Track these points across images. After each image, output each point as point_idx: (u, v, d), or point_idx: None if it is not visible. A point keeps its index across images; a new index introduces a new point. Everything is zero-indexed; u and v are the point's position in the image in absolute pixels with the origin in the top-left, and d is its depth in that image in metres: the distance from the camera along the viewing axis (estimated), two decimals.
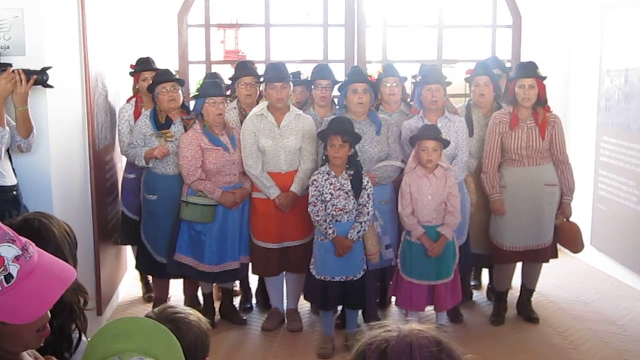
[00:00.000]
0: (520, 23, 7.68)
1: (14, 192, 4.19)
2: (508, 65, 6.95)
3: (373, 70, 6.24)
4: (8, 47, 4.38)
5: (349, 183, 5.11)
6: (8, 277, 1.69)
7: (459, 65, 8.42)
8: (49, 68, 4.24)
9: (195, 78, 8.99)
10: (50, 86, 4.27)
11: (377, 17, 7.81)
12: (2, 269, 1.69)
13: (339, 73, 7.08)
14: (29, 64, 4.39)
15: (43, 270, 1.78)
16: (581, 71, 7.56)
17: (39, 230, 2.41)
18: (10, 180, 4.20)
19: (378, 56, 7.78)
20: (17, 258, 1.73)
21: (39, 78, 4.19)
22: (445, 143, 5.28)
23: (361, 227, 5.14)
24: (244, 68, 5.98)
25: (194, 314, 2.32)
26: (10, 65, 4.19)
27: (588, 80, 7.35)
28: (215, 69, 7.60)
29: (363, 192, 5.13)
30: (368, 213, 5.16)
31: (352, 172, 5.13)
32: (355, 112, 5.49)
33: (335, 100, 6.07)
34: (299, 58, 8.55)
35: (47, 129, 4.49)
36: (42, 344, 1.89)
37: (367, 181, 5.18)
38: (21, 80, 4.10)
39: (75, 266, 2.31)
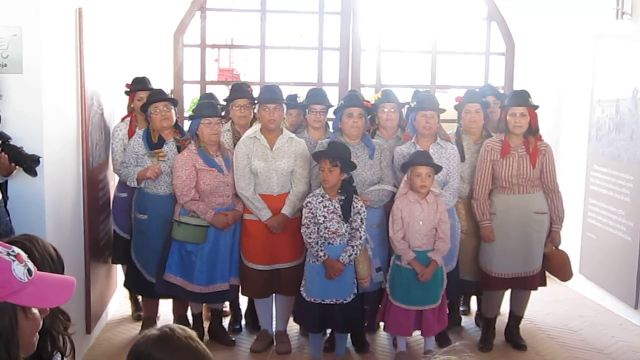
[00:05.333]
0: (513, 51, 7.77)
1: None
2: (501, 92, 7.00)
3: (370, 95, 6.28)
4: (5, 65, 4.42)
5: (341, 207, 5.14)
6: (29, 271, 1.81)
7: (451, 91, 8.48)
8: (38, 160, 4.25)
9: (189, 97, 9.03)
10: (34, 173, 4.27)
11: (372, 41, 7.88)
12: (23, 264, 1.80)
13: (333, 96, 7.14)
14: (26, 81, 4.45)
15: (45, 274, 1.90)
16: (573, 100, 7.64)
17: None
18: None
19: (372, 80, 7.85)
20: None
21: (27, 165, 4.21)
22: (438, 169, 5.33)
23: (353, 250, 5.17)
24: (238, 90, 6.01)
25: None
26: (8, 138, 4.25)
27: (579, 109, 7.42)
28: (210, 89, 7.64)
29: (357, 216, 5.16)
30: (360, 237, 5.19)
31: (342, 197, 5.16)
32: (350, 135, 5.53)
33: (329, 123, 6.12)
34: (294, 80, 8.58)
35: (42, 146, 4.51)
36: None
37: (361, 205, 5.21)
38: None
39: None
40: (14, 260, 1.78)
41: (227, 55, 19.62)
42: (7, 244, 1.85)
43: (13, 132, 4.35)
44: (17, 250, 1.83)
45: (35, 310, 1.84)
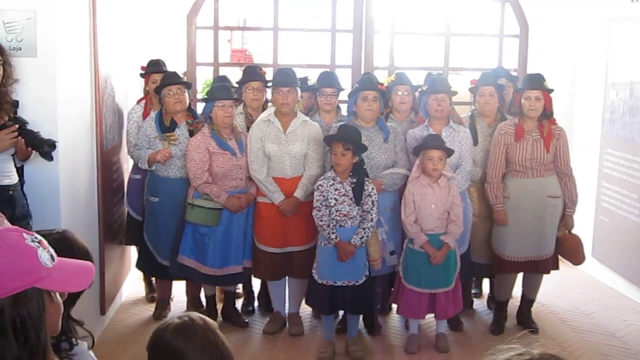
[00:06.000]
0: (527, 33, 7.70)
1: (11, 192, 4.22)
2: (515, 74, 6.97)
3: (384, 78, 6.28)
4: (20, 49, 4.44)
5: (352, 190, 5.16)
6: (52, 256, 1.84)
7: (465, 73, 8.44)
8: (54, 144, 4.28)
9: (202, 79, 9.04)
10: (50, 158, 4.29)
11: (385, 23, 7.85)
12: (46, 250, 1.83)
13: (346, 78, 7.13)
14: (40, 65, 4.47)
15: (65, 260, 1.93)
16: (587, 83, 7.60)
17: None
18: (9, 180, 4.24)
19: (385, 62, 7.83)
20: None
21: (43, 150, 4.24)
22: (450, 152, 5.33)
23: (364, 233, 5.19)
24: (251, 73, 6.01)
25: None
26: (25, 123, 4.27)
27: (593, 92, 7.38)
28: (222, 70, 7.64)
29: (367, 199, 5.18)
30: (372, 219, 5.20)
31: (354, 180, 5.17)
32: (364, 118, 5.53)
33: (341, 106, 6.11)
34: (306, 62, 8.56)
35: (56, 129, 4.54)
36: None
37: (372, 188, 5.22)
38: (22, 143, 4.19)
39: None
40: (38, 247, 1.81)
41: (239, 36, 19.51)
42: (29, 231, 1.88)
43: (28, 116, 4.38)
44: (39, 237, 1.86)
45: (58, 295, 1.88)
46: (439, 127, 5.62)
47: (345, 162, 5.11)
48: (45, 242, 1.85)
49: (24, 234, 1.82)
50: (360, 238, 5.18)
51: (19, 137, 4.17)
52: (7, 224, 2.85)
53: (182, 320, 2.37)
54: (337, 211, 5.16)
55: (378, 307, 5.81)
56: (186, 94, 5.78)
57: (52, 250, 1.85)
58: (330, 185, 5.17)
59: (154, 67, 6.09)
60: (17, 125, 4.17)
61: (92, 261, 2.55)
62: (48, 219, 4.42)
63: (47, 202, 4.54)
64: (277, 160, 5.55)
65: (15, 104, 4.32)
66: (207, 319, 2.42)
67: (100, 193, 5.52)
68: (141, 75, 6.18)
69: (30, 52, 4.46)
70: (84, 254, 2.53)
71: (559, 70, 7.46)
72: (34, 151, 4.27)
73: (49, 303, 1.83)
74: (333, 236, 5.15)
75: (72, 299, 2.35)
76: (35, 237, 1.84)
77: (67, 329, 2.37)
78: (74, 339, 2.37)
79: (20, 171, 4.39)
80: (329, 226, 5.16)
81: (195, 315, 2.42)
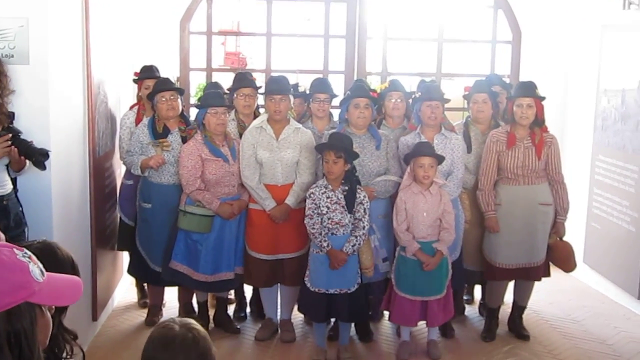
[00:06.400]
0: (519, 39, 7.75)
1: (4, 202, 4.22)
2: (507, 81, 7.00)
3: (377, 85, 6.28)
4: (12, 56, 4.44)
5: (344, 198, 5.17)
6: (42, 271, 1.85)
7: (457, 79, 8.47)
8: (47, 154, 4.27)
9: (195, 83, 9.04)
10: (43, 167, 4.28)
11: (378, 29, 7.87)
12: (36, 265, 1.83)
13: (339, 84, 7.15)
14: (32, 72, 4.47)
15: (53, 274, 1.93)
16: (579, 90, 7.63)
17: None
18: (3, 190, 4.24)
19: (378, 68, 7.84)
20: None
21: (35, 159, 4.23)
22: (441, 159, 5.33)
23: (356, 240, 5.19)
24: (242, 79, 6.01)
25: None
26: (19, 132, 4.26)
27: (585, 99, 7.41)
28: (216, 76, 7.65)
29: (359, 206, 5.18)
30: (364, 227, 5.21)
31: (346, 188, 5.18)
32: (356, 126, 5.55)
33: (333, 112, 6.13)
34: (299, 68, 8.58)
35: (49, 135, 4.54)
36: None
37: (364, 196, 5.23)
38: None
39: None
40: (29, 262, 1.82)
41: (233, 39, 19.53)
42: (19, 246, 1.89)
43: (20, 123, 4.38)
44: (28, 252, 1.87)
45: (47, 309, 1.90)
46: (431, 134, 5.64)
47: (337, 170, 5.12)
48: (34, 257, 1.86)
49: (15, 250, 1.82)
50: (352, 246, 5.18)
51: (12, 147, 4.17)
52: (2, 237, 2.86)
53: (161, 333, 2.40)
54: (329, 219, 5.17)
55: (370, 313, 5.81)
56: (179, 100, 5.78)
57: (41, 265, 1.86)
58: (322, 193, 5.18)
59: (146, 73, 6.09)
60: (10, 135, 4.16)
61: (77, 268, 2.57)
62: (40, 226, 4.42)
63: (39, 208, 4.54)
64: (268, 167, 5.56)
65: (11, 115, 4.32)
66: (186, 319, 2.45)
67: (93, 199, 5.52)
68: (134, 80, 6.18)
69: (22, 59, 4.46)
70: (68, 262, 2.54)
71: (551, 77, 7.50)
72: (27, 161, 4.27)
73: (41, 317, 1.84)
74: (325, 244, 5.16)
75: (61, 308, 2.36)
76: (26, 253, 1.85)
77: (57, 341, 2.37)
78: (65, 353, 2.37)
79: (13, 179, 4.39)
80: (320, 234, 5.17)
81: (173, 321, 2.44)
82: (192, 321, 2.45)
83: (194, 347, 2.34)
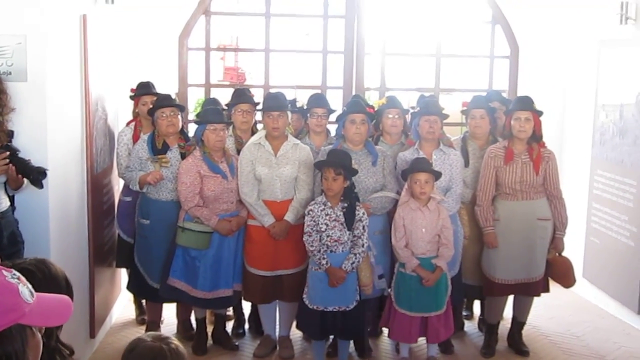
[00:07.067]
0: (517, 54, 7.76)
1: (0, 219, 4.22)
2: (505, 96, 7.00)
3: (375, 101, 6.28)
4: (10, 73, 4.45)
5: (343, 215, 5.15)
6: (31, 292, 1.83)
7: (456, 94, 8.48)
8: (45, 172, 4.26)
9: (194, 98, 9.05)
10: (40, 186, 4.28)
11: (376, 44, 7.89)
12: (25, 286, 1.82)
13: (337, 99, 7.15)
14: (30, 89, 4.48)
15: (41, 295, 1.92)
16: (577, 104, 7.64)
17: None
18: None
19: (376, 84, 7.86)
20: None
21: (33, 177, 4.23)
22: (437, 175, 5.33)
23: (355, 258, 5.18)
24: (240, 95, 6.03)
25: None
26: (17, 151, 4.27)
27: (583, 113, 7.42)
28: (214, 91, 7.66)
29: (358, 224, 5.17)
30: (363, 245, 5.20)
31: (345, 205, 5.17)
32: (353, 141, 5.54)
33: (330, 128, 6.12)
34: (298, 83, 8.60)
35: (46, 153, 4.54)
36: None
37: (363, 213, 5.22)
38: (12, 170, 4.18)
39: None
40: (18, 283, 1.80)
41: (232, 54, 19.58)
42: (7, 267, 1.88)
43: (18, 140, 4.39)
44: (17, 272, 1.86)
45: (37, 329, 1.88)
46: (429, 149, 5.63)
47: (336, 187, 5.11)
48: (23, 278, 1.85)
49: (3, 271, 1.81)
50: (351, 264, 5.17)
51: (10, 165, 4.16)
52: None
53: (155, 342, 2.54)
54: (327, 236, 5.15)
55: (368, 329, 5.79)
56: (179, 116, 5.78)
57: (30, 286, 1.84)
58: (321, 210, 5.17)
59: (143, 89, 6.09)
60: (7, 152, 4.16)
61: (70, 284, 2.55)
62: (38, 243, 4.42)
63: (36, 225, 4.53)
64: (267, 183, 5.55)
65: (10, 133, 4.32)
66: (155, 333, 2.59)
67: (90, 216, 5.51)
68: (131, 97, 6.18)
69: (20, 76, 4.46)
70: (62, 277, 2.52)
71: (549, 91, 7.50)
72: (25, 180, 4.26)
73: (31, 338, 1.83)
74: (324, 262, 5.14)
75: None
76: (14, 274, 1.83)
77: (54, 356, 2.35)
78: None
79: (11, 197, 4.38)
80: (319, 251, 5.16)
81: (140, 340, 2.57)
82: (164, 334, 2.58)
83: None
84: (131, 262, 5.99)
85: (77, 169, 5.30)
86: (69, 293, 2.50)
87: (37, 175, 4.21)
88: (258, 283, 5.64)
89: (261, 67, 7.88)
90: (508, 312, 6.11)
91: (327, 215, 5.16)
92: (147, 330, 6.05)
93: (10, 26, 4.44)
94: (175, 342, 2.61)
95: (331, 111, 6.01)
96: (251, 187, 5.55)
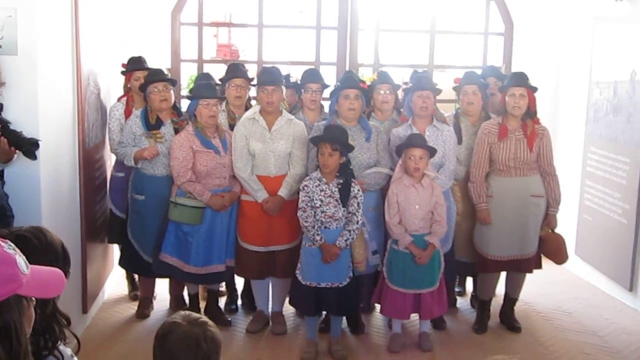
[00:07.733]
0: (512, 31, 7.72)
1: None
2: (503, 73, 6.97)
3: (367, 77, 6.25)
4: (0, 47, 4.39)
5: (338, 191, 5.14)
6: (26, 263, 1.82)
7: (450, 71, 8.45)
8: (37, 143, 4.25)
9: (187, 74, 8.98)
10: (33, 157, 4.28)
11: (370, 20, 7.84)
12: (21, 257, 1.81)
13: (331, 76, 7.11)
14: (21, 62, 4.43)
15: (35, 266, 1.91)
16: (571, 81, 7.63)
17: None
18: None
19: (370, 60, 7.81)
20: None
21: (26, 149, 4.21)
22: (432, 151, 5.31)
23: (349, 235, 5.17)
24: (235, 70, 5.99)
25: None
26: (7, 123, 4.24)
27: (577, 91, 7.41)
28: (207, 67, 7.61)
29: (353, 200, 5.16)
30: (357, 221, 5.18)
31: (341, 181, 5.15)
32: (346, 117, 5.51)
33: (324, 104, 6.09)
34: (291, 59, 8.54)
35: (38, 127, 4.50)
36: None
37: (358, 190, 5.20)
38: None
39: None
40: (15, 254, 1.80)
41: (226, 31, 19.42)
42: (3, 237, 1.87)
43: (8, 114, 4.35)
44: (11, 243, 1.85)
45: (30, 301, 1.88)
46: (422, 125, 5.61)
47: (332, 163, 5.09)
48: (17, 249, 1.84)
49: (0, 242, 1.80)
50: (345, 240, 5.16)
51: (1, 137, 4.13)
52: None
53: (192, 328, 2.55)
54: (322, 212, 5.14)
55: (361, 305, 5.80)
56: (172, 91, 5.75)
57: (24, 257, 1.84)
58: (316, 186, 5.15)
59: (135, 64, 6.04)
60: None
61: (67, 252, 2.53)
62: (28, 218, 4.36)
63: (27, 200, 4.50)
64: (261, 158, 5.53)
65: (0, 106, 4.28)
66: (195, 315, 2.61)
67: (82, 191, 5.49)
68: (122, 72, 6.12)
69: (11, 50, 4.41)
70: (59, 244, 2.50)
71: (543, 68, 7.49)
72: (16, 153, 4.23)
73: (27, 309, 1.83)
74: (318, 238, 5.13)
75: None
76: (10, 245, 1.82)
77: (51, 325, 2.33)
78: (58, 342, 2.34)
79: (0, 171, 4.34)
80: (313, 227, 5.14)
81: (187, 322, 2.58)
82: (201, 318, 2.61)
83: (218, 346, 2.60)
84: (124, 238, 5.97)
85: (68, 143, 5.26)
86: (66, 261, 2.49)
87: (29, 147, 4.19)
88: (251, 258, 5.63)
89: (254, 43, 7.83)
90: (500, 288, 6.12)
91: (322, 191, 5.14)
92: (139, 306, 6.05)
93: None
94: (213, 327, 2.63)
95: (325, 86, 5.97)
96: (245, 162, 5.53)
